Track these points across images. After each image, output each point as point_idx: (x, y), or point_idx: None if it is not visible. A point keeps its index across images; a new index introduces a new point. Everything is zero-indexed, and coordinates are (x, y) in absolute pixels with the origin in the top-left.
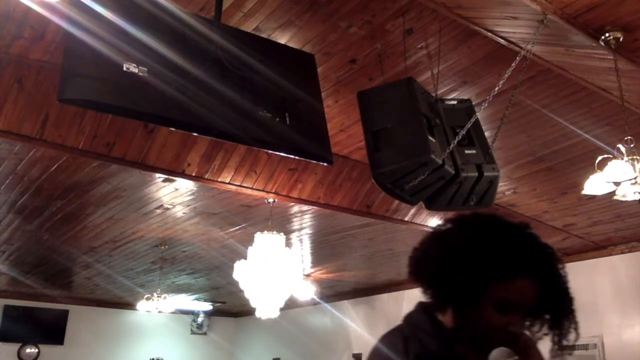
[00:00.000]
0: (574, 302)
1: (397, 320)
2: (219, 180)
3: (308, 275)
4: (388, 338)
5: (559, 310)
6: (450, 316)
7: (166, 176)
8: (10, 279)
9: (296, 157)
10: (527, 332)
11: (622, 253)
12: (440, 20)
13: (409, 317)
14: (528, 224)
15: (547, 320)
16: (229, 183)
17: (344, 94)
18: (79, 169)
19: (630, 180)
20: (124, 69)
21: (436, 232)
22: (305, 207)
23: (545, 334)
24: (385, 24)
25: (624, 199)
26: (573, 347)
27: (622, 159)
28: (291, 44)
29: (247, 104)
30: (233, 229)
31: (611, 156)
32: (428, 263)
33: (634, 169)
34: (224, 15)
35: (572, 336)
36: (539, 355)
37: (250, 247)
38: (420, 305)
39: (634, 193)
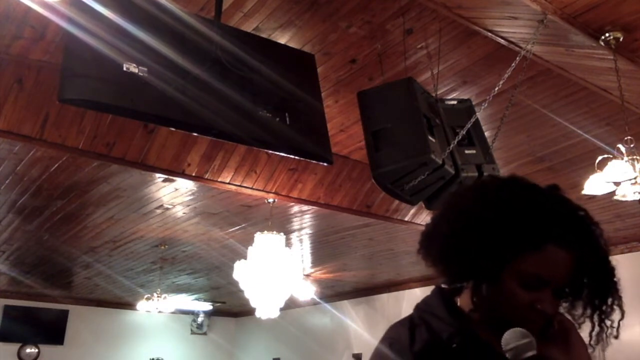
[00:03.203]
0: (615, 273)
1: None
2: (219, 180)
3: (308, 275)
4: (392, 330)
5: (597, 282)
6: (467, 298)
7: (166, 176)
8: (10, 279)
9: (296, 157)
10: (568, 316)
11: (622, 253)
12: (440, 20)
13: (420, 304)
14: (556, 185)
15: (587, 298)
16: (229, 183)
17: (344, 94)
18: (79, 169)
19: (630, 180)
20: (124, 69)
21: (448, 201)
22: (305, 207)
23: (588, 316)
24: (385, 24)
25: (624, 199)
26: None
27: (622, 159)
28: (291, 44)
29: (247, 104)
30: (233, 229)
31: (611, 156)
32: (439, 235)
33: (634, 169)
34: (224, 15)
35: (615, 315)
36: (579, 339)
37: (250, 247)
38: (435, 288)
39: (634, 193)
